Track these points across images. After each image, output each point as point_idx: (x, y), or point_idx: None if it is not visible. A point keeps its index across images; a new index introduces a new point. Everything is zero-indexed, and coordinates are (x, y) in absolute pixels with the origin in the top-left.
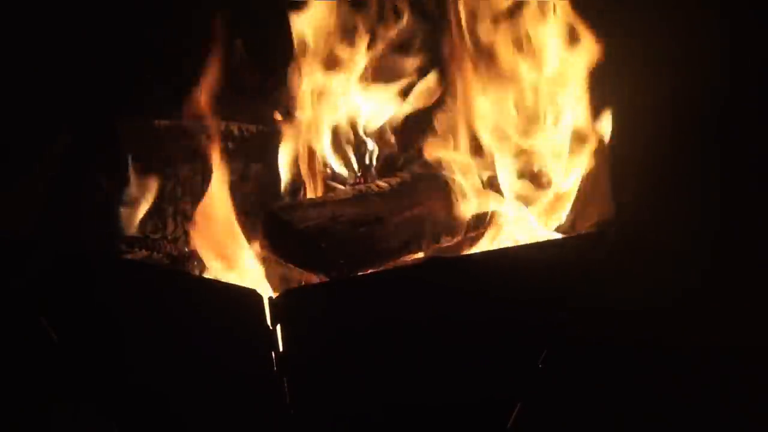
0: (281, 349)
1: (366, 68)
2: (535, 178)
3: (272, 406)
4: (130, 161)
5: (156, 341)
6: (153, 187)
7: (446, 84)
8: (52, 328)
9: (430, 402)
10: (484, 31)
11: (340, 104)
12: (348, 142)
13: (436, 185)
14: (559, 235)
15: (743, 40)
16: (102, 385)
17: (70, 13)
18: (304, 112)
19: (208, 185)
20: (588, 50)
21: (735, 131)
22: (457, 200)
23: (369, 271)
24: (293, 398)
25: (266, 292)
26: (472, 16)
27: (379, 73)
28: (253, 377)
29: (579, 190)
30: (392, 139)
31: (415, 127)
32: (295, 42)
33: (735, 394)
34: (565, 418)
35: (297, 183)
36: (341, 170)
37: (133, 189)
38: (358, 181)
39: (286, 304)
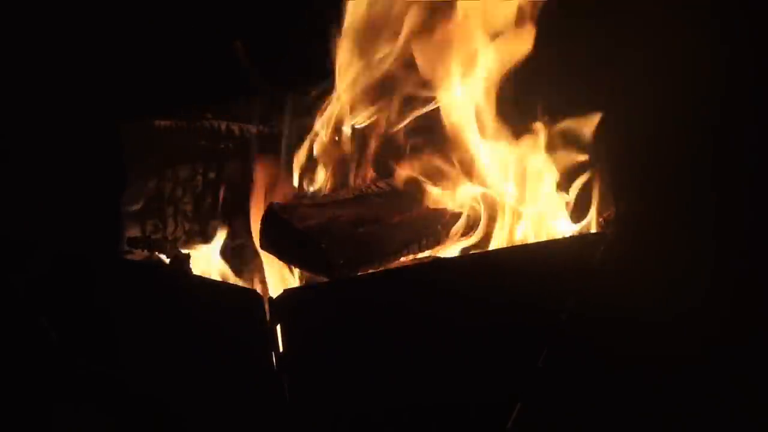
0: (281, 348)
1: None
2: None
3: (272, 405)
4: (130, 161)
5: (156, 341)
6: (153, 187)
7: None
8: (52, 328)
9: (430, 402)
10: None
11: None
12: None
13: (437, 186)
14: (559, 235)
15: (743, 41)
16: (102, 385)
17: (71, 12)
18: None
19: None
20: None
21: (737, 132)
22: (457, 201)
23: (369, 271)
24: (293, 397)
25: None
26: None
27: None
28: (253, 377)
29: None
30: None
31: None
32: None
33: (733, 392)
34: (565, 418)
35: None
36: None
37: (133, 189)
38: (358, 181)
39: (286, 304)
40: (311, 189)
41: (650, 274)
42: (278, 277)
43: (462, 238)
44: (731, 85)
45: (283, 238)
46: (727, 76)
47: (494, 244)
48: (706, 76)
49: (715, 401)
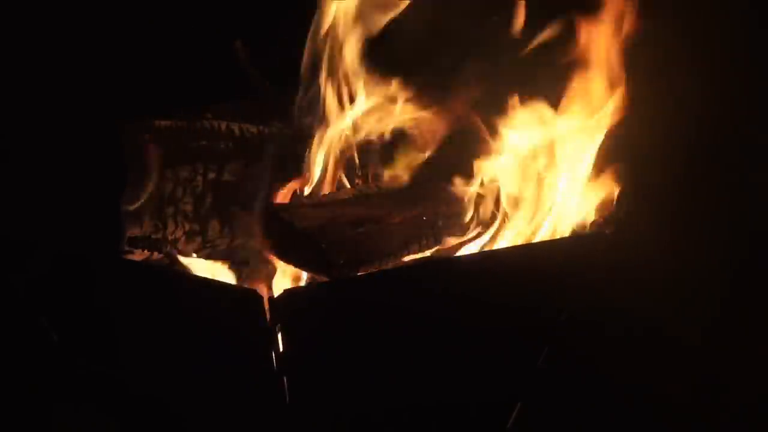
0: (281, 348)
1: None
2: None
3: (272, 405)
4: (130, 162)
5: (156, 341)
6: (153, 187)
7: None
8: (52, 328)
9: (430, 402)
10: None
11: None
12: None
13: (437, 186)
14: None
15: (753, 45)
16: (102, 385)
17: (71, 12)
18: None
19: None
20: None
21: (740, 131)
22: (458, 201)
23: (369, 271)
24: (293, 398)
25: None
26: None
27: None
28: (253, 377)
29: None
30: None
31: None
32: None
33: (735, 392)
34: (565, 419)
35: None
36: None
37: (133, 189)
38: (358, 181)
39: (286, 304)
40: (311, 189)
41: (651, 274)
42: (279, 277)
43: (463, 238)
44: (736, 84)
45: (284, 238)
46: (732, 75)
47: (495, 244)
48: (712, 75)
49: (716, 402)
